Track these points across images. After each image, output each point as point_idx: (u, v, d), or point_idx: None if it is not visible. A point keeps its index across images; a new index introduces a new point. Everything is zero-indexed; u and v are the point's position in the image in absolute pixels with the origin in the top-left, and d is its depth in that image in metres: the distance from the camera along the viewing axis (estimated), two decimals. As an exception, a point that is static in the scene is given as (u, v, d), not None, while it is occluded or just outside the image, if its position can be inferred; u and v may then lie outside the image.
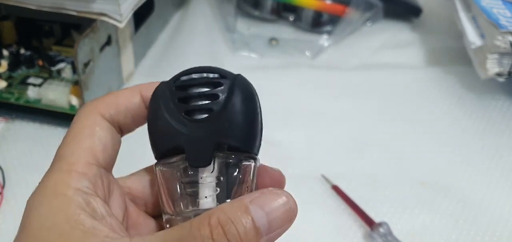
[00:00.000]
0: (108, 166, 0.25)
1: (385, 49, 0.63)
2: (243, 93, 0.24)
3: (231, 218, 0.20)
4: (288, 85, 0.56)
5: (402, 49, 0.64)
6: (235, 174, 0.24)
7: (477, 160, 0.47)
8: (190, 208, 0.24)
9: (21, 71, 0.52)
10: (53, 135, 0.47)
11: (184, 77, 0.25)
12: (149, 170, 0.28)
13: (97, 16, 0.46)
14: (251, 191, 0.24)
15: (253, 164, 0.25)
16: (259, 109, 0.25)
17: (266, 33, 0.65)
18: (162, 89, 0.25)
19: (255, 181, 0.25)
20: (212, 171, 0.24)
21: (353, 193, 0.42)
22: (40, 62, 0.52)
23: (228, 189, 0.24)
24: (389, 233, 0.38)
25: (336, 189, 0.43)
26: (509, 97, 0.55)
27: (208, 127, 0.23)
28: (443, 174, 0.46)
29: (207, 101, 0.24)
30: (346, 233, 0.40)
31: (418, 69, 0.60)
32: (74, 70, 0.50)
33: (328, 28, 0.65)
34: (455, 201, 0.43)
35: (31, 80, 0.50)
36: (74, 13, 0.46)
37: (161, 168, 0.25)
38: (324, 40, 0.64)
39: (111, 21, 0.46)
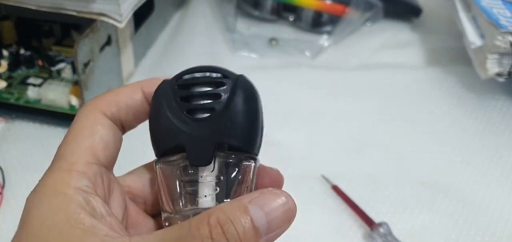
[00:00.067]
0: (109, 164, 0.25)
1: (385, 49, 0.63)
2: (245, 93, 0.24)
3: (230, 217, 0.20)
4: (288, 85, 0.56)
5: (402, 49, 0.64)
6: (235, 173, 0.24)
7: (477, 160, 0.47)
8: (189, 206, 0.24)
9: (21, 71, 0.52)
10: (53, 135, 0.47)
11: (186, 76, 0.25)
12: (148, 167, 0.28)
13: (97, 16, 0.46)
14: (251, 191, 0.24)
15: (253, 164, 0.25)
16: (260, 110, 0.25)
17: (266, 33, 0.65)
18: (165, 87, 0.25)
19: (254, 181, 0.25)
20: (212, 170, 0.24)
21: (353, 193, 0.42)
22: (40, 62, 0.52)
23: (227, 189, 0.24)
24: (389, 233, 0.38)
25: (336, 189, 0.43)
26: (509, 97, 0.55)
27: (209, 126, 0.23)
28: (443, 174, 0.46)
29: (209, 101, 0.24)
30: (346, 233, 0.40)
31: (418, 69, 0.60)
32: (74, 70, 0.50)
33: (328, 28, 0.65)
34: (455, 201, 0.43)
35: (31, 80, 0.50)
36: (74, 13, 0.46)
37: (161, 166, 0.25)
38: (324, 40, 0.64)
39: (111, 21, 0.46)
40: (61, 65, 0.52)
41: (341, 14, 0.64)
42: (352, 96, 0.55)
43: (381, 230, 0.38)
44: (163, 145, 0.24)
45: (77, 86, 0.47)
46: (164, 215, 0.25)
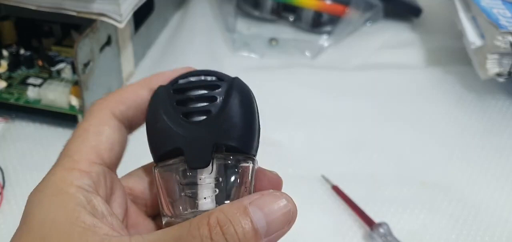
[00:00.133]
0: (113, 165, 0.25)
1: (385, 49, 0.63)
2: (240, 95, 0.25)
3: (230, 218, 0.20)
4: (288, 85, 0.56)
5: (402, 49, 0.64)
6: (234, 175, 0.24)
7: (477, 160, 0.47)
8: (189, 209, 0.24)
9: (21, 72, 0.52)
10: (53, 135, 0.47)
11: (182, 81, 0.25)
12: (149, 168, 0.28)
13: (97, 16, 0.46)
14: (250, 192, 0.24)
15: (251, 165, 0.25)
16: (256, 111, 0.26)
17: (266, 33, 0.65)
18: (160, 93, 0.25)
19: (253, 182, 0.25)
20: (211, 172, 0.24)
21: (353, 193, 0.42)
22: (40, 63, 0.52)
23: (227, 190, 0.24)
24: (389, 233, 0.38)
25: (336, 189, 0.43)
26: (509, 97, 0.55)
27: (206, 128, 0.24)
28: (443, 174, 0.46)
29: (205, 104, 0.24)
30: (346, 233, 0.40)
31: (418, 69, 0.60)
32: (74, 70, 0.50)
33: (328, 28, 0.65)
34: (455, 201, 0.43)
35: (31, 80, 0.50)
36: (74, 13, 0.46)
37: (160, 170, 0.25)
38: (324, 40, 0.64)
39: (111, 21, 0.46)
40: (61, 65, 0.52)
41: (341, 14, 0.64)
42: (352, 96, 0.55)
43: (381, 230, 0.38)
44: (161, 149, 0.25)
45: (77, 86, 0.47)
46: (164, 220, 0.25)
